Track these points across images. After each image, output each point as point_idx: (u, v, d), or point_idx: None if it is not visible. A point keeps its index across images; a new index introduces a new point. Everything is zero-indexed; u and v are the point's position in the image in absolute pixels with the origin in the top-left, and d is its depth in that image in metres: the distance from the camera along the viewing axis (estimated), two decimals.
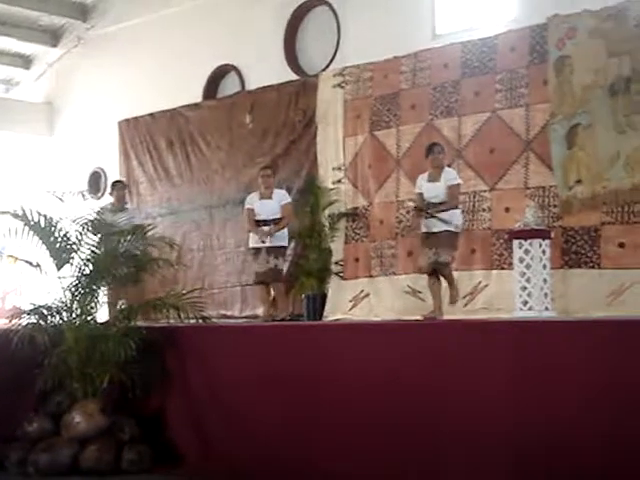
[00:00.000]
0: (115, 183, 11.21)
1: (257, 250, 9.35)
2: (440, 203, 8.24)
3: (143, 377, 7.08)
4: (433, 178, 8.38)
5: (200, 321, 7.53)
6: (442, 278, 8.40)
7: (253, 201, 9.49)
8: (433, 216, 8.09)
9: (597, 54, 9.05)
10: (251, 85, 12.62)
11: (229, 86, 13.23)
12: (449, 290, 8.49)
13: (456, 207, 8.34)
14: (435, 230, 8.25)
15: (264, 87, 12.20)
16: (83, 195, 8.25)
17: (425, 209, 8.27)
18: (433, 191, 8.34)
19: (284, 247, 9.51)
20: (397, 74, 10.80)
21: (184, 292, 8.48)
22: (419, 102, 10.59)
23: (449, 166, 8.43)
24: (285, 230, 9.43)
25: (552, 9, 9.35)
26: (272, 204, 9.35)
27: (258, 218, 9.36)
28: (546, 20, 9.46)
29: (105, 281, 7.72)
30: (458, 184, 8.30)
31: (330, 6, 11.81)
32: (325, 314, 10.75)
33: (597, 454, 4.95)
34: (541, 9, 9.47)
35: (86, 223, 7.62)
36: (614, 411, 4.97)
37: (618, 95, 8.89)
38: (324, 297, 10.94)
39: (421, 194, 8.43)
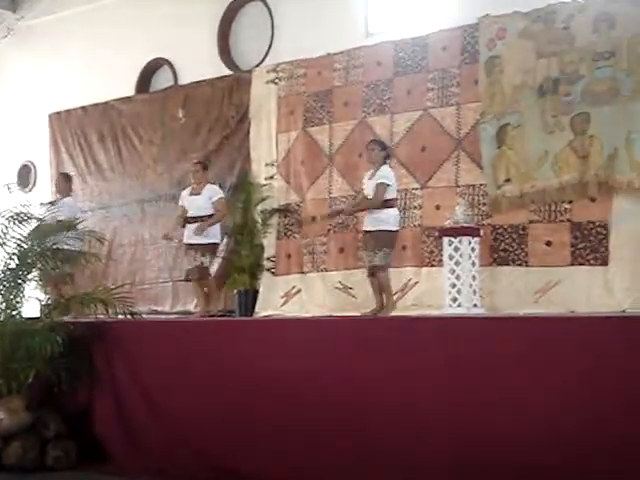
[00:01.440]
0: (59, 175, 11.08)
1: (189, 246, 9.30)
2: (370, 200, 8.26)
3: (70, 373, 6.99)
4: (371, 175, 8.38)
5: (129, 316, 7.45)
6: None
7: (184, 197, 9.44)
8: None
9: (526, 55, 9.19)
10: (184, 79, 12.53)
11: (162, 80, 13.10)
12: (383, 296, 8.41)
13: (379, 206, 8.24)
14: (370, 229, 8.25)
15: (197, 82, 12.13)
16: (9, 188, 8.10)
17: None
18: (368, 188, 8.36)
19: (215, 244, 9.45)
20: (330, 71, 10.83)
21: (113, 287, 8.39)
22: (352, 99, 10.63)
23: (386, 164, 8.38)
24: (217, 227, 9.37)
25: (483, 9, 9.46)
26: (201, 200, 9.28)
27: (188, 215, 9.29)
28: (477, 20, 9.57)
29: (32, 275, 7.60)
30: (382, 183, 8.14)
31: (264, 2, 11.78)
32: (257, 310, 10.72)
33: (532, 452, 5.01)
34: (472, 9, 9.56)
35: (12, 216, 7.49)
36: (548, 408, 5.03)
37: (546, 96, 9.04)
38: (256, 293, 10.92)
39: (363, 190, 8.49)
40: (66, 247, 7.82)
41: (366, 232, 8.34)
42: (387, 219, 8.22)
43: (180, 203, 9.49)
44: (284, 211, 11.04)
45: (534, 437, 5.02)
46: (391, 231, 8.27)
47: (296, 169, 11.04)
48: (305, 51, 10.92)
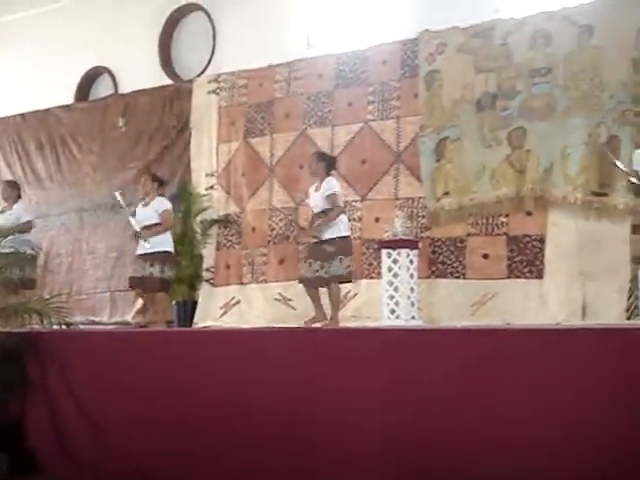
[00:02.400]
0: (4, 183, 10.90)
1: (139, 256, 9.17)
2: (320, 212, 8.21)
3: (1, 384, 6.85)
4: (316, 187, 8.30)
5: (64, 327, 7.34)
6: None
7: (137, 210, 9.30)
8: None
9: (465, 70, 9.31)
10: (125, 88, 12.43)
11: (102, 88, 12.99)
12: (322, 308, 8.29)
13: (338, 215, 8.19)
14: (322, 238, 8.11)
15: (138, 91, 12.04)
16: None
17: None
18: (314, 200, 8.26)
19: (165, 253, 9.25)
20: (272, 82, 10.85)
21: (48, 297, 8.26)
22: (293, 111, 10.67)
23: (330, 175, 8.33)
24: (168, 236, 9.21)
25: (423, 24, 9.56)
26: (148, 211, 9.16)
27: (138, 225, 9.17)
28: (417, 35, 9.67)
29: None
30: (333, 193, 8.14)
31: (206, 12, 11.77)
32: (195, 321, 10.68)
33: (472, 457, 5.04)
34: (412, 24, 9.67)
35: None
36: (483, 418, 5.07)
37: (485, 110, 9.16)
38: (195, 304, 10.86)
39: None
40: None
41: (316, 243, 8.24)
42: (339, 225, 8.14)
43: (136, 217, 9.33)
44: (224, 222, 11.02)
45: (476, 451, 5.06)
46: (345, 237, 8.18)
47: (236, 180, 11.03)
48: (247, 62, 10.94)
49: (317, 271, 8.06)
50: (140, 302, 9.61)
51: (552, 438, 4.78)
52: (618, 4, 8.48)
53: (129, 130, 12.07)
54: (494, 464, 4.96)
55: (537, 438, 4.82)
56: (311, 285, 8.22)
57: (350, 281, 8.22)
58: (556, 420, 4.78)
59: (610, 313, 8.17)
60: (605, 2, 8.56)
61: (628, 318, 8.01)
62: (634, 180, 6.94)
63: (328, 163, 8.37)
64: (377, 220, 9.81)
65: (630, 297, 8.09)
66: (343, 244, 7.94)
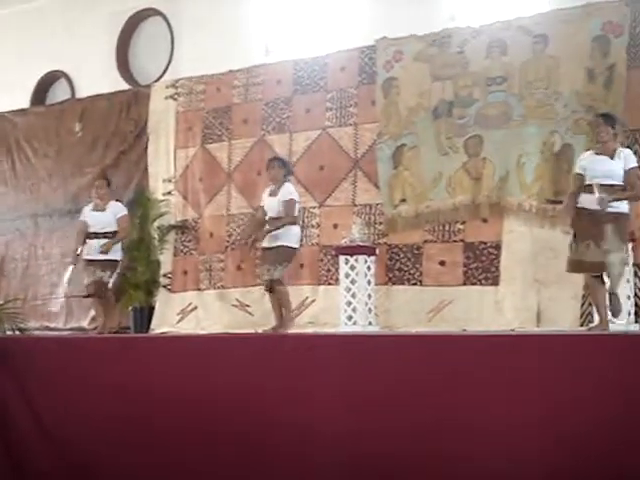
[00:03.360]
0: None
1: (89, 262, 9.08)
2: (276, 218, 8.16)
3: None
4: (273, 192, 8.23)
5: (18, 333, 7.27)
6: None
7: (86, 213, 9.21)
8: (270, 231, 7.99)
9: (422, 77, 9.37)
10: (81, 93, 12.33)
11: (59, 93, 12.87)
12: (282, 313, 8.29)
13: (293, 223, 8.14)
14: (268, 245, 8.14)
15: (95, 95, 11.95)
16: None
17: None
18: (270, 205, 8.18)
19: (115, 260, 9.22)
20: (230, 88, 10.84)
21: (2, 302, 8.17)
22: (251, 117, 10.66)
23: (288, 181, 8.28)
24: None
25: (381, 32, 9.61)
26: (106, 217, 9.06)
27: (91, 230, 9.08)
28: (375, 42, 9.72)
29: None
30: (291, 199, 8.05)
31: (164, 17, 11.72)
32: (152, 327, 10.62)
33: (427, 457, 5.07)
34: (370, 31, 9.70)
35: None
36: (437, 420, 5.10)
37: (441, 118, 9.23)
38: (151, 310, 10.81)
39: (263, 207, 8.36)
40: None
41: (265, 249, 8.23)
42: (287, 236, 8.05)
43: (81, 218, 9.22)
44: (181, 227, 10.99)
45: (431, 451, 5.09)
46: (291, 247, 8.12)
47: (194, 185, 11.00)
48: (205, 67, 10.91)
49: (263, 275, 8.08)
50: (97, 308, 9.52)
51: (504, 440, 4.84)
52: (572, 15, 8.57)
53: (86, 135, 11.99)
54: (447, 464, 5.00)
55: (491, 439, 4.88)
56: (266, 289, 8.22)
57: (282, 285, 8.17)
58: (506, 421, 4.84)
59: (564, 320, 8.25)
60: (559, 12, 8.66)
61: (582, 325, 8.10)
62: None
63: (287, 169, 8.32)
64: (335, 226, 9.83)
65: (584, 304, 8.18)
66: (287, 253, 7.91)
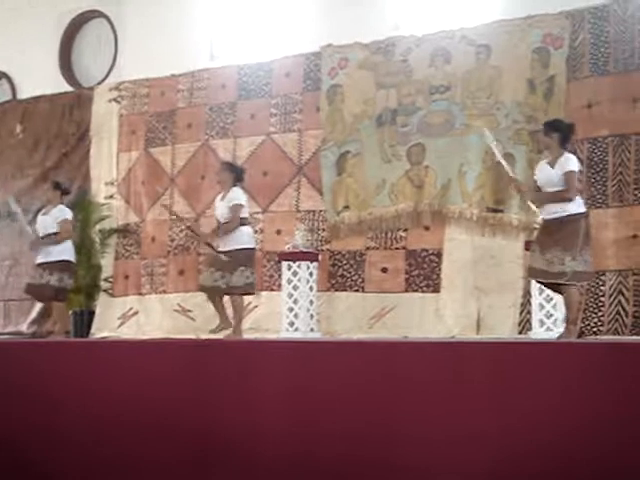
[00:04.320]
0: None
1: (38, 265, 8.94)
2: (225, 223, 8.11)
3: None
4: (222, 197, 8.18)
5: None
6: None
7: (38, 217, 9.07)
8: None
9: (366, 85, 9.42)
10: (23, 94, 12.16)
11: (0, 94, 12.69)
12: (225, 316, 8.06)
13: (238, 227, 8.05)
14: (223, 249, 8.02)
15: (37, 97, 11.81)
16: None
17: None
18: (219, 210, 8.12)
19: (64, 262, 9.03)
20: (174, 92, 10.80)
21: None
22: (195, 121, 10.62)
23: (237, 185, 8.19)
24: (68, 245, 8.99)
25: (326, 39, 9.64)
26: (47, 220, 8.95)
27: (40, 234, 8.96)
28: (320, 49, 9.75)
29: None
30: (237, 204, 7.88)
31: (108, 19, 11.62)
32: (92, 331, 10.51)
33: (367, 463, 5.08)
34: (316, 38, 9.73)
35: None
36: (378, 430, 5.11)
37: (385, 126, 9.28)
38: (92, 314, 10.69)
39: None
40: None
41: (219, 252, 8.12)
42: (241, 237, 7.98)
43: (36, 225, 9.08)
44: (123, 231, 10.90)
45: (372, 457, 5.10)
46: (247, 249, 8.05)
47: (136, 189, 10.92)
48: (149, 71, 10.85)
49: (216, 280, 7.96)
50: (36, 311, 9.41)
51: (446, 449, 4.87)
52: (514, 26, 8.69)
53: (27, 136, 11.83)
54: (387, 471, 5.02)
55: (432, 448, 4.90)
56: (209, 294, 8.15)
57: (252, 293, 8.09)
58: (449, 430, 4.86)
59: (503, 327, 8.35)
60: (502, 23, 8.77)
61: (520, 332, 8.20)
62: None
63: (236, 174, 8.24)
64: (278, 232, 9.83)
65: (522, 312, 8.29)
66: (243, 255, 7.84)
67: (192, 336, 8.86)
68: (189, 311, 10.15)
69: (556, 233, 6.12)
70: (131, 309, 10.66)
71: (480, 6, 9.20)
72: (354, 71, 9.53)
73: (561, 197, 6.19)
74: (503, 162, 6.84)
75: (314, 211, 9.74)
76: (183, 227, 9.83)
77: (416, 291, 9.03)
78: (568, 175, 6.14)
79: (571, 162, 6.21)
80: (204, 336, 8.43)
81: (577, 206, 6.17)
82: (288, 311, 8.89)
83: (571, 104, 8.35)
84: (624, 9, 8.22)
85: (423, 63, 9.14)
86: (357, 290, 9.38)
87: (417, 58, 9.17)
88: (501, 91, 8.71)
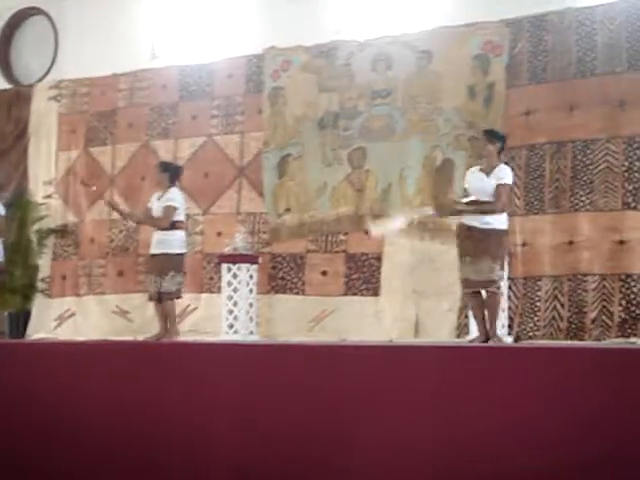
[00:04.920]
0: None
1: None
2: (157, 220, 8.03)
3: None
4: (159, 197, 8.11)
5: None
6: None
7: None
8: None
9: (309, 88, 9.43)
10: None
11: None
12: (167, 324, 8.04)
13: (166, 227, 7.97)
14: (154, 252, 7.98)
15: None
16: None
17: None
18: (156, 211, 8.05)
19: None
20: (115, 91, 10.71)
21: None
22: (136, 121, 10.55)
23: (175, 186, 8.11)
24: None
25: (269, 41, 9.63)
26: None
27: None
28: (263, 51, 9.74)
29: None
30: (170, 205, 7.88)
31: (48, 16, 11.46)
32: (28, 332, 10.37)
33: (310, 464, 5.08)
34: (259, 40, 9.71)
35: None
36: (319, 433, 5.12)
37: (327, 129, 9.30)
38: (28, 315, 10.55)
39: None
40: None
41: (152, 255, 8.11)
42: (172, 242, 7.91)
43: None
44: (61, 231, 10.77)
45: (314, 465, 5.11)
46: (177, 254, 7.98)
47: (76, 189, 10.80)
48: (90, 70, 10.73)
49: (152, 285, 7.96)
50: None
51: (387, 453, 4.89)
52: (455, 33, 8.77)
53: None
54: (329, 473, 5.03)
55: (372, 451, 4.93)
56: (150, 299, 8.11)
57: (179, 297, 8.09)
58: (384, 430, 4.90)
59: (441, 331, 8.42)
60: (443, 30, 8.84)
61: (457, 336, 8.28)
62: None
63: (172, 173, 8.19)
64: (219, 234, 9.80)
65: (460, 316, 8.37)
66: (173, 261, 7.80)
67: (130, 338, 8.77)
68: (127, 313, 10.07)
69: (483, 242, 6.20)
70: (68, 310, 10.54)
71: (422, 12, 9.27)
72: (297, 74, 9.54)
73: (490, 209, 6.25)
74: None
75: (255, 213, 9.72)
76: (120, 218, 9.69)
77: (356, 294, 9.06)
78: (501, 188, 6.20)
79: (507, 174, 6.29)
80: (142, 338, 8.38)
81: (505, 222, 6.37)
82: (228, 313, 8.86)
83: (510, 111, 8.45)
84: (562, 19, 8.35)
85: (365, 67, 9.18)
86: (297, 293, 9.39)
87: (359, 62, 9.21)
88: (441, 97, 8.78)
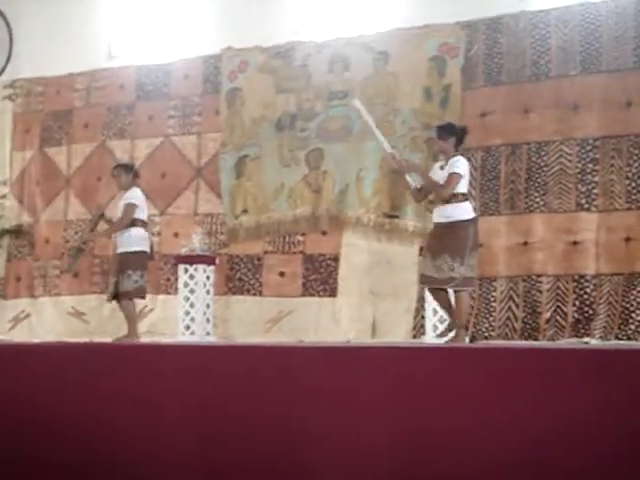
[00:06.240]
0: None
1: None
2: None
3: None
4: (121, 196, 7.97)
5: None
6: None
7: None
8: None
9: (266, 89, 9.43)
10: None
11: None
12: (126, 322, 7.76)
13: (126, 226, 7.82)
14: (116, 251, 7.82)
15: None
16: None
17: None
18: (119, 209, 7.90)
19: None
20: (71, 91, 10.63)
21: None
22: (92, 121, 10.47)
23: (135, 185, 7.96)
24: None
25: (226, 41, 9.61)
26: None
27: None
28: (220, 51, 9.72)
29: None
30: (129, 203, 7.56)
31: (2, 15, 11.32)
32: None
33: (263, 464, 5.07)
34: (216, 40, 9.69)
35: None
36: (276, 432, 5.10)
37: (284, 130, 9.31)
38: None
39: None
40: None
41: (116, 254, 7.93)
42: (129, 239, 7.63)
43: None
44: (16, 232, 10.65)
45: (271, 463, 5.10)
46: (133, 252, 7.82)
47: (30, 189, 10.70)
48: (45, 69, 10.63)
49: (112, 284, 7.86)
50: None
51: (341, 451, 4.90)
52: (412, 34, 8.82)
53: None
54: (286, 472, 5.03)
55: (331, 453, 4.93)
56: (108, 300, 7.99)
57: (140, 297, 7.71)
58: (340, 432, 4.90)
59: (397, 332, 8.46)
60: (400, 32, 8.88)
61: (414, 337, 8.32)
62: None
63: (134, 174, 7.99)
64: (176, 235, 9.76)
65: (416, 316, 8.42)
66: (132, 258, 7.66)
67: (86, 339, 8.70)
68: (83, 314, 10.00)
69: (445, 238, 6.15)
70: (23, 312, 10.43)
71: (379, 14, 9.29)
72: (254, 75, 9.53)
73: (437, 190, 6.22)
74: (376, 131, 6.85)
75: (212, 214, 9.71)
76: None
77: (313, 295, 9.08)
78: (451, 176, 6.14)
79: (458, 164, 6.16)
80: (97, 339, 8.32)
81: (467, 212, 6.23)
82: (184, 315, 8.84)
83: (466, 113, 8.51)
84: (517, 22, 8.43)
85: (322, 69, 9.20)
86: (254, 294, 9.38)
87: (316, 63, 9.22)
88: (398, 98, 8.82)
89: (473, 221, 6.24)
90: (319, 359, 5.31)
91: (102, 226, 7.87)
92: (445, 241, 6.15)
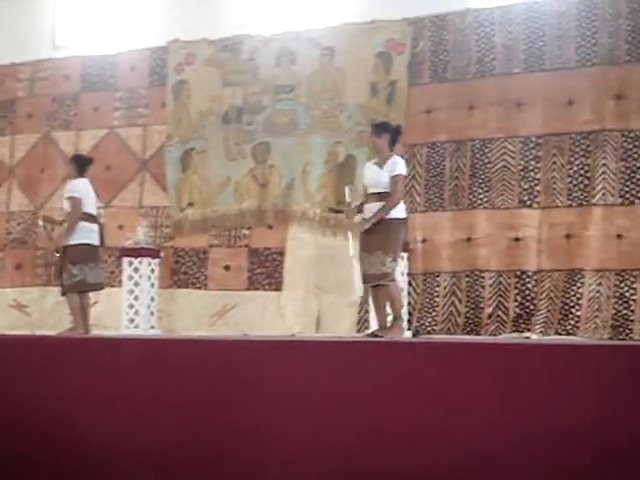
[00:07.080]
0: None
1: None
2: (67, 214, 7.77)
3: None
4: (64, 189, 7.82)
5: None
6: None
7: None
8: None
9: (213, 82, 9.41)
10: None
11: None
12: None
13: (74, 223, 7.68)
14: (68, 243, 7.63)
15: None
16: None
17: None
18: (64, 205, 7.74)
19: None
20: (14, 81, 10.50)
21: None
22: (37, 112, 10.36)
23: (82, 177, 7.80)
24: None
25: (173, 33, 9.56)
26: None
27: None
28: (167, 44, 9.67)
29: None
30: (70, 197, 7.41)
31: None
32: None
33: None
34: (163, 32, 9.62)
35: None
36: (223, 428, 5.10)
37: (231, 124, 9.29)
38: None
39: None
40: None
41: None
42: (77, 233, 7.61)
43: None
44: None
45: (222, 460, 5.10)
46: (71, 246, 7.69)
47: None
48: None
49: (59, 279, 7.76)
50: None
51: (283, 445, 4.92)
52: (359, 30, 8.86)
53: None
54: (238, 468, 5.04)
55: (281, 447, 4.94)
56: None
57: (81, 291, 7.44)
58: (283, 426, 4.92)
59: (341, 326, 8.51)
60: (347, 27, 8.92)
61: (358, 331, 8.37)
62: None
63: (78, 165, 7.83)
64: (120, 227, 9.69)
65: (360, 311, 8.46)
66: (68, 253, 7.51)
67: (27, 332, 8.61)
68: (25, 306, 9.88)
69: (378, 235, 6.17)
70: None
71: (327, 9, 9.33)
72: (201, 67, 9.51)
73: (388, 207, 6.20)
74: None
75: (158, 207, 9.66)
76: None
77: (258, 289, 9.09)
78: (395, 179, 6.15)
79: (399, 166, 6.21)
80: (39, 332, 8.24)
81: (400, 211, 6.25)
82: (128, 308, 8.78)
83: (411, 109, 8.58)
84: (462, 19, 8.52)
85: (269, 62, 9.21)
86: (199, 287, 9.36)
87: (263, 57, 9.23)
88: (344, 93, 8.86)
89: (404, 220, 6.30)
90: (264, 353, 5.33)
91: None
92: (378, 237, 6.15)
